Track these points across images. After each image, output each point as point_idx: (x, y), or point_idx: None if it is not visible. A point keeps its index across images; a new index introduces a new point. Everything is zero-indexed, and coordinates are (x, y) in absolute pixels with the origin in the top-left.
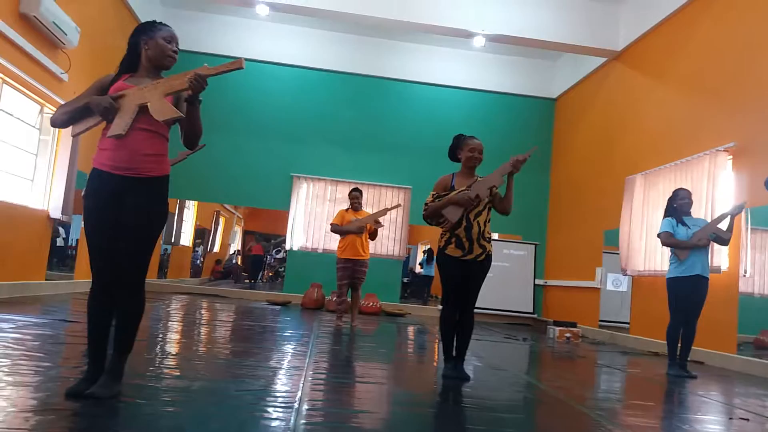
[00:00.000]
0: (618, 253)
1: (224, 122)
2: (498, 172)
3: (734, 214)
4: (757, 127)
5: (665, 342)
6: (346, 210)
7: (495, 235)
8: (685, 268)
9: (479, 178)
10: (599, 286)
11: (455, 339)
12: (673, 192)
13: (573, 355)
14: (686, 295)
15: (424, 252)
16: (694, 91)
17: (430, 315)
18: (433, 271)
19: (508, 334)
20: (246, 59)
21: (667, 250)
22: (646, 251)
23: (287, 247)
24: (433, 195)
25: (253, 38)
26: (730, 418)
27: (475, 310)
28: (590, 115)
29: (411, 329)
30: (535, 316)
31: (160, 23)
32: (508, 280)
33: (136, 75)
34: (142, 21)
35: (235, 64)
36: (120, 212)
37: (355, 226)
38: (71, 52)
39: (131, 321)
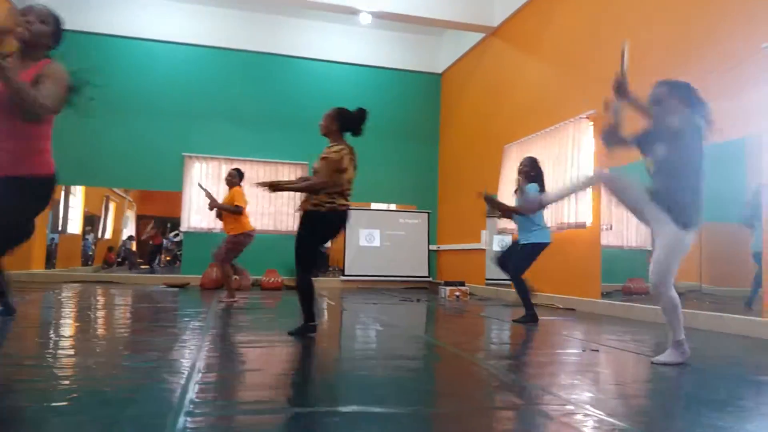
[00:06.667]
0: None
1: (111, 102)
2: None
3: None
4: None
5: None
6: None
7: (392, 206)
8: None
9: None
10: (485, 248)
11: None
12: (534, 159)
13: (461, 310)
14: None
15: None
16: (561, 63)
17: (331, 286)
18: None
19: (405, 296)
20: (132, 38)
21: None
22: None
23: (183, 228)
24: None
25: (140, 15)
26: (583, 350)
27: (375, 278)
28: (472, 89)
29: None
30: (430, 279)
31: None
32: (404, 247)
33: None
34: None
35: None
36: None
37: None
38: None
39: None
